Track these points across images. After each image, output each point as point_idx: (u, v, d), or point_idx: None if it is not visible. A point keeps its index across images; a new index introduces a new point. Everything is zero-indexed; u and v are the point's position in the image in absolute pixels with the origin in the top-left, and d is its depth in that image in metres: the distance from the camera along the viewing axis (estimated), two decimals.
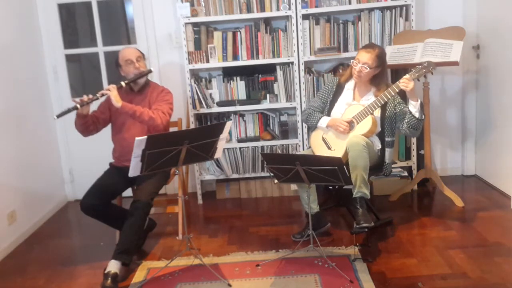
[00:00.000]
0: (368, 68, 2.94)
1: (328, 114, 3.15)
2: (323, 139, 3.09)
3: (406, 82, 2.82)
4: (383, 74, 3.05)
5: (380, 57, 2.97)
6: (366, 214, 2.82)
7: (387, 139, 3.05)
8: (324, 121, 3.09)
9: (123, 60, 3.06)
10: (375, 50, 2.96)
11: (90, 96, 2.88)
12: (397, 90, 2.88)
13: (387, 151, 3.06)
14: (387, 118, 3.02)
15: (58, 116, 2.81)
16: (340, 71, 3.87)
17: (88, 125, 3.03)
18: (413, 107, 2.88)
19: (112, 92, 2.87)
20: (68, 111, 2.82)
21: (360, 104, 3.01)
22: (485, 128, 3.97)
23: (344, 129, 2.97)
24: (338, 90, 3.16)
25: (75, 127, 3.04)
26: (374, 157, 2.98)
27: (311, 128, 3.26)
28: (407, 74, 2.88)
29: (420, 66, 2.91)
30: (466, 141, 4.19)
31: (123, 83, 2.96)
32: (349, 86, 3.12)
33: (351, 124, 2.99)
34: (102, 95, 2.90)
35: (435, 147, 4.23)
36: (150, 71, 3.09)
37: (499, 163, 3.76)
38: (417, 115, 2.89)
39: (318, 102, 3.21)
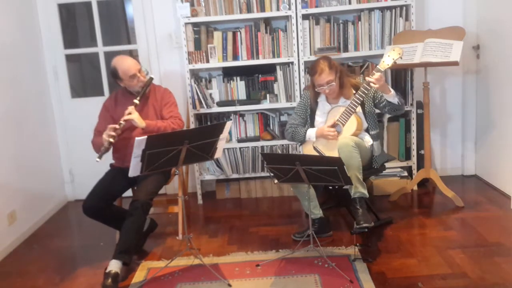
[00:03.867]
0: (334, 83, 2.95)
1: (312, 127, 3.16)
2: (314, 148, 3.08)
3: (375, 81, 2.80)
4: (343, 74, 3.04)
5: (331, 66, 2.95)
6: (366, 214, 2.83)
7: (371, 132, 3.07)
8: (311, 133, 3.09)
9: (126, 75, 2.98)
10: (324, 63, 2.94)
11: (117, 126, 2.85)
12: (370, 85, 2.88)
13: (374, 144, 3.07)
14: (367, 112, 3.06)
15: (100, 157, 2.81)
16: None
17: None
18: (389, 97, 2.93)
19: (134, 115, 2.87)
20: (106, 150, 2.84)
21: (341, 106, 3.03)
22: (485, 128, 3.97)
23: (333, 136, 2.98)
24: (313, 104, 3.16)
25: (94, 150, 3.01)
26: (367, 154, 3.00)
27: (300, 143, 3.24)
28: (377, 66, 2.90)
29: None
30: (466, 141, 4.19)
31: (137, 101, 2.94)
32: (321, 98, 3.13)
33: (336, 127, 3.00)
34: (125, 121, 2.87)
35: (435, 147, 4.23)
36: (152, 79, 3.08)
37: (499, 163, 3.76)
38: (395, 102, 2.94)
39: (297, 119, 3.20)
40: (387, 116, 3.90)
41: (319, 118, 3.13)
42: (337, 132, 2.99)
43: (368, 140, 3.06)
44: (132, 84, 3.01)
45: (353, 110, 2.94)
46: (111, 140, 2.83)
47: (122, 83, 3.05)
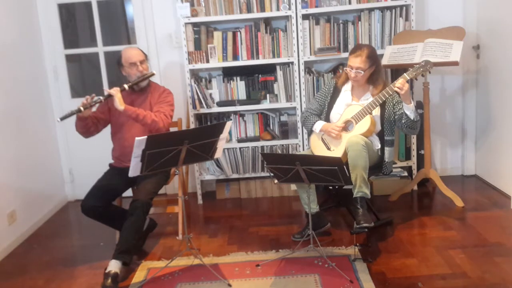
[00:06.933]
0: (363, 72, 2.96)
1: (327, 116, 3.16)
2: (323, 140, 3.10)
3: (400, 86, 2.81)
4: (379, 72, 3.05)
5: (371, 57, 2.96)
6: (366, 214, 2.82)
7: (386, 138, 3.05)
8: (318, 126, 3.11)
9: (127, 62, 3.05)
10: (364, 51, 2.95)
11: (93, 98, 2.87)
12: (393, 90, 2.88)
13: (387, 150, 3.06)
14: (386, 117, 3.03)
15: (62, 118, 2.78)
16: (340, 71, 3.86)
17: (89, 126, 3.02)
18: (407, 109, 2.90)
19: (116, 95, 2.86)
20: (71, 113, 2.80)
21: (359, 104, 3.02)
22: (485, 128, 3.97)
23: (336, 135, 2.98)
24: (336, 92, 3.17)
25: (76, 129, 3.03)
26: (373, 157, 2.99)
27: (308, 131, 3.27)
28: (404, 74, 2.88)
29: (418, 65, 2.92)
30: (466, 141, 4.19)
31: (126, 86, 2.95)
32: (347, 88, 3.14)
33: (349, 125, 2.99)
34: (105, 98, 2.89)
35: (435, 147, 4.23)
36: (152, 74, 3.09)
37: (499, 163, 3.76)
38: (411, 116, 2.90)
39: (315, 104, 3.23)
40: None
41: (336, 110, 3.11)
42: (345, 131, 2.98)
43: (376, 145, 3.05)
44: (131, 72, 3.06)
45: (370, 111, 2.93)
46: (81, 108, 2.82)
47: (124, 71, 3.10)
